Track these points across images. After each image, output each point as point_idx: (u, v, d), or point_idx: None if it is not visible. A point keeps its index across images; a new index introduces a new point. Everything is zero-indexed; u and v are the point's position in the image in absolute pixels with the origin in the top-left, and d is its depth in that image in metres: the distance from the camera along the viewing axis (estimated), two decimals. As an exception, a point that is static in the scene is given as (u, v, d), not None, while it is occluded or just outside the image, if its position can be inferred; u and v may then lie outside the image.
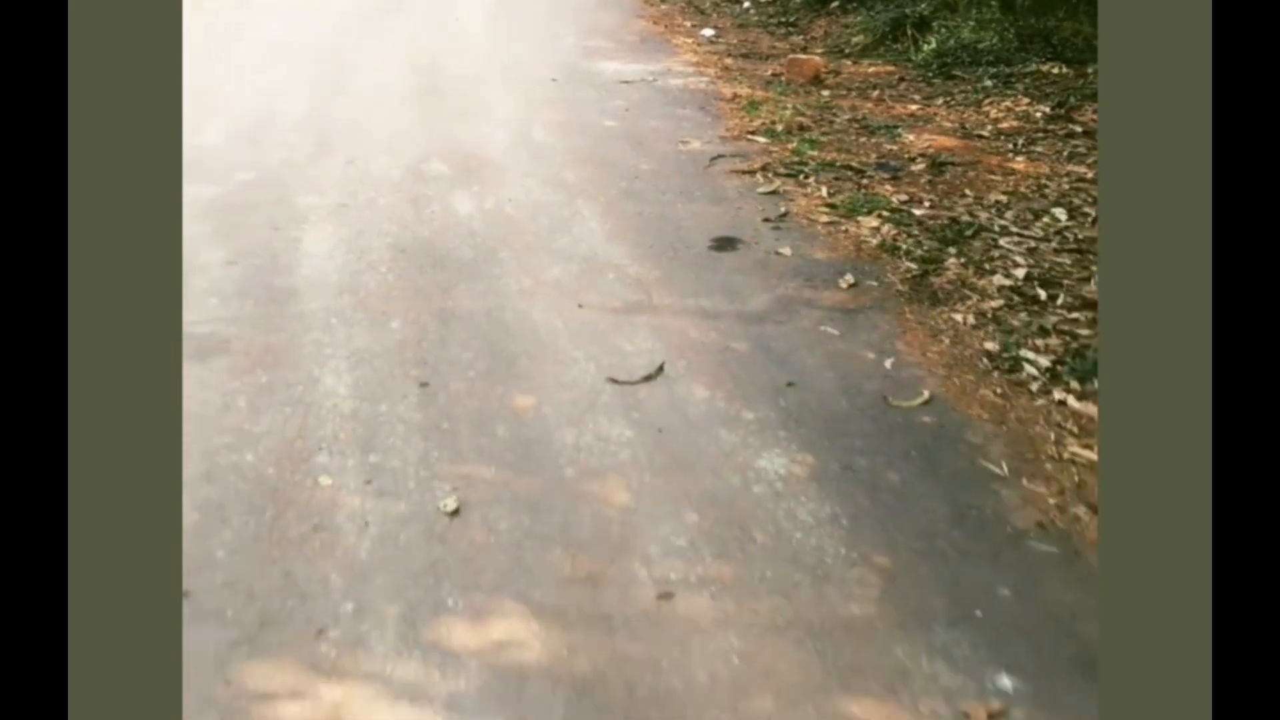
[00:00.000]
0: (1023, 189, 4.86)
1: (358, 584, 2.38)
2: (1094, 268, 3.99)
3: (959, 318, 3.62)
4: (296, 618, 2.28)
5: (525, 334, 3.52)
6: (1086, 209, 4.54)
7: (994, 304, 3.70)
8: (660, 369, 3.29)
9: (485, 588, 2.39)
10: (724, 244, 4.24)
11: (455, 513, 2.65)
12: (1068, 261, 4.09)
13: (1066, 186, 4.86)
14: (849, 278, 3.93)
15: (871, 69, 7.29)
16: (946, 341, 3.47)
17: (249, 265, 4.02)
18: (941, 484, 2.73)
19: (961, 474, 2.78)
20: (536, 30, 8.33)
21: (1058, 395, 3.12)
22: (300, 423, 3.03)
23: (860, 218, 4.47)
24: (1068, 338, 3.45)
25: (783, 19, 9.10)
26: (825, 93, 6.65)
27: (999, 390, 3.18)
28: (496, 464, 2.82)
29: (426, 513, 2.64)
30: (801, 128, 5.75)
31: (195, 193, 4.67)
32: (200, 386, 3.16)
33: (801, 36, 8.45)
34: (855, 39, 7.93)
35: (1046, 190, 4.82)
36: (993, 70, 6.82)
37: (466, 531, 2.58)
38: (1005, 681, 2.12)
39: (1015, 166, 5.21)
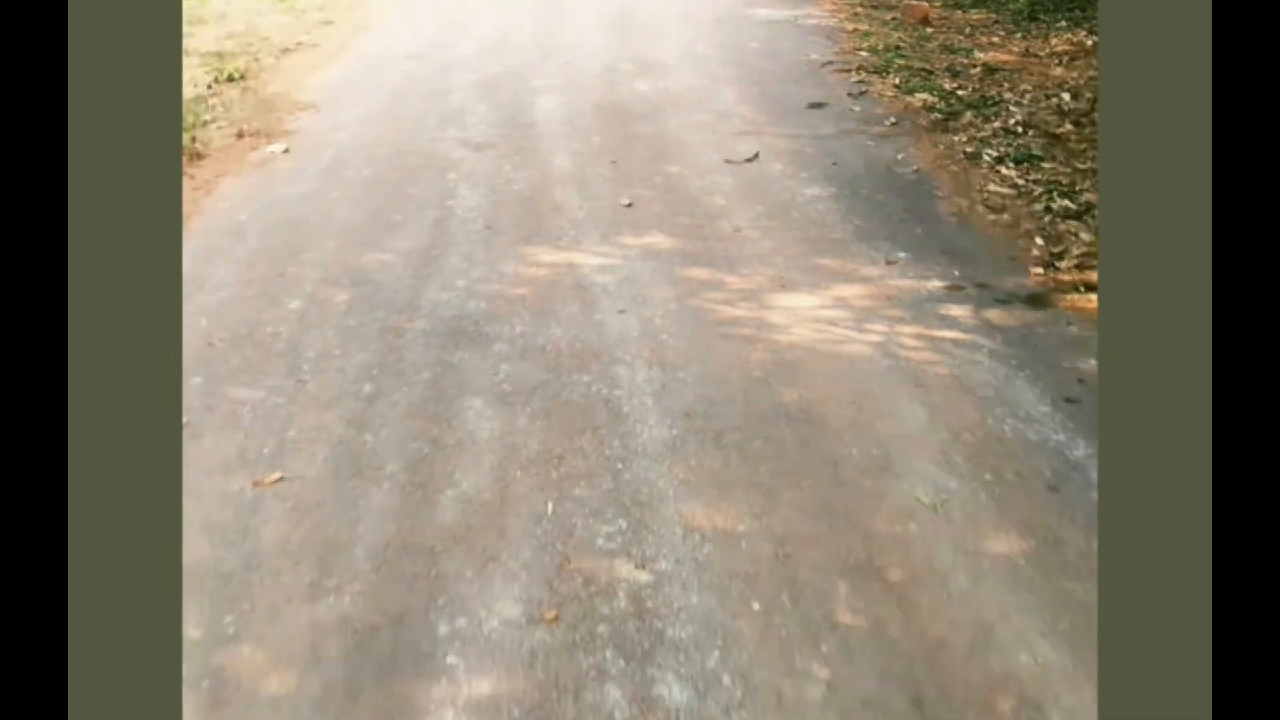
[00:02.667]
0: (1048, 84, 7.03)
1: (579, 226, 4.84)
2: (1069, 123, 6.17)
3: (956, 139, 5.89)
4: (549, 236, 4.78)
5: (677, 143, 5.98)
6: (1089, 94, 6.68)
7: (984, 134, 5.94)
8: (755, 155, 5.70)
9: (643, 228, 4.84)
10: (815, 105, 6.60)
11: (629, 205, 5.12)
12: (1053, 119, 6.28)
13: (1082, 83, 6.99)
14: (892, 120, 6.24)
15: (975, 16, 9.46)
16: (942, 149, 5.75)
17: (503, 112, 6.62)
18: (905, 198, 5.05)
19: (920, 196, 5.08)
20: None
21: (997, 169, 5.39)
22: (542, 176, 5.55)
23: (916, 94, 6.75)
24: (1021, 147, 5.68)
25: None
26: (929, 29, 8.88)
27: (961, 167, 5.46)
28: (653, 190, 5.28)
29: (613, 205, 5.12)
30: (897, 48, 8.03)
31: (462, 77, 7.32)
32: (482, 161, 5.72)
33: (929, -5, 10.60)
34: (969, -6, 10.08)
35: (1065, 85, 6.97)
36: (1069, 15, 8.91)
37: (634, 211, 5.04)
38: (900, 255, 4.45)
39: (1052, 73, 7.36)
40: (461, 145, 5.86)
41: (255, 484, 2.97)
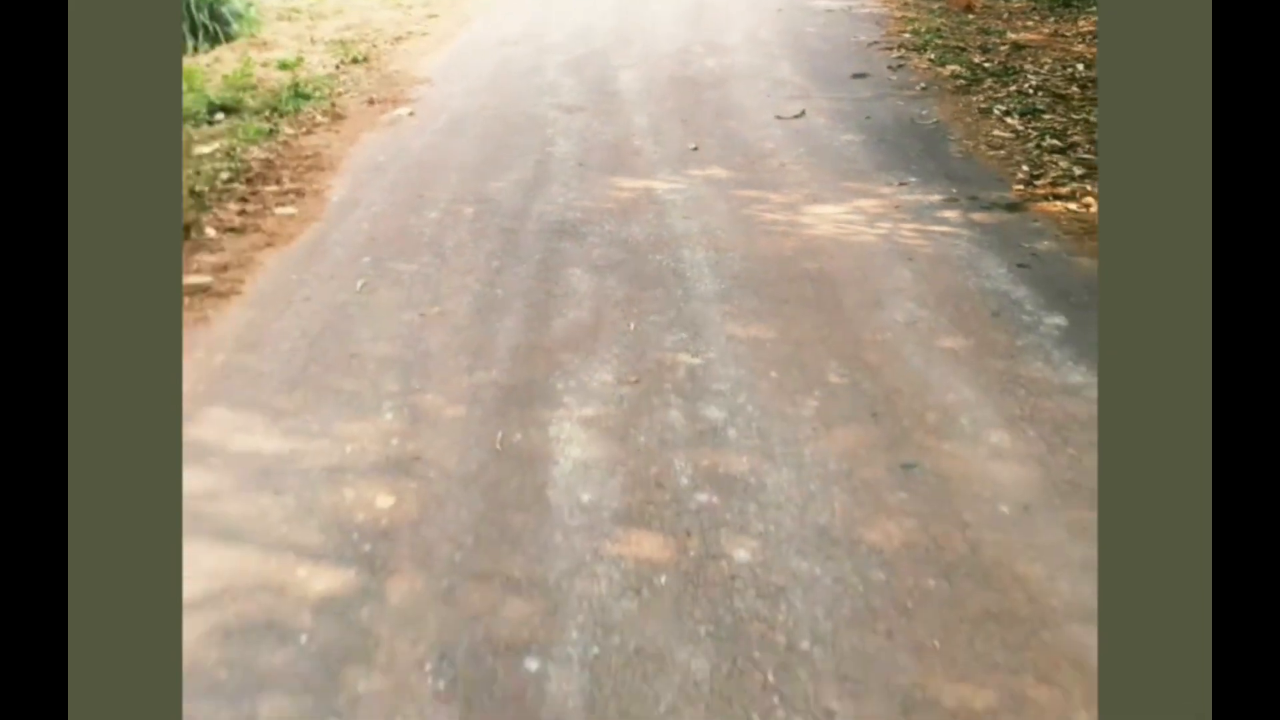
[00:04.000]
0: (1067, 58, 8.19)
1: (654, 164, 6.12)
2: (1075, 86, 7.34)
3: (975, 99, 7.09)
4: (629, 171, 6.09)
5: (737, 105, 7.26)
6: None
7: (999, 96, 7.14)
8: (802, 113, 6.96)
9: (706, 164, 6.12)
10: (858, 76, 7.85)
11: (695, 149, 6.41)
12: (1062, 84, 7.44)
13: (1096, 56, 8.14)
14: (921, 86, 7.47)
15: (1016, 4, 10.63)
16: (961, 106, 6.97)
17: (590, 84, 7.95)
18: (923, 141, 6.28)
19: (935, 140, 6.31)
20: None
21: (1004, 120, 6.59)
22: (625, 129, 6.87)
23: (946, 66, 7.96)
24: (1028, 104, 6.87)
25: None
26: (970, 15, 10.07)
27: (975, 119, 6.67)
28: (715, 139, 6.55)
29: (682, 150, 6.41)
30: (937, 31, 9.24)
31: (554, 58, 8.68)
32: (573, 120, 7.04)
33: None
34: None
35: (1082, 58, 8.14)
36: None
37: (699, 153, 6.33)
38: (911, 179, 5.69)
39: (1074, 49, 8.52)
40: (556, 108, 7.20)
41: (421, 315, 4.30)
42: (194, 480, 3.16)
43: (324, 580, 2.74)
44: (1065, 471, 3.08)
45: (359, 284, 4.53)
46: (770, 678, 2.37)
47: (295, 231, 5.14)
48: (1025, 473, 3.09)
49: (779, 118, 6.79)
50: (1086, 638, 2.45)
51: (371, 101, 7.49)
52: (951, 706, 2.29)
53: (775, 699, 2.31)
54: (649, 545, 2.83)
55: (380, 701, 2.35)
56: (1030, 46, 8.42)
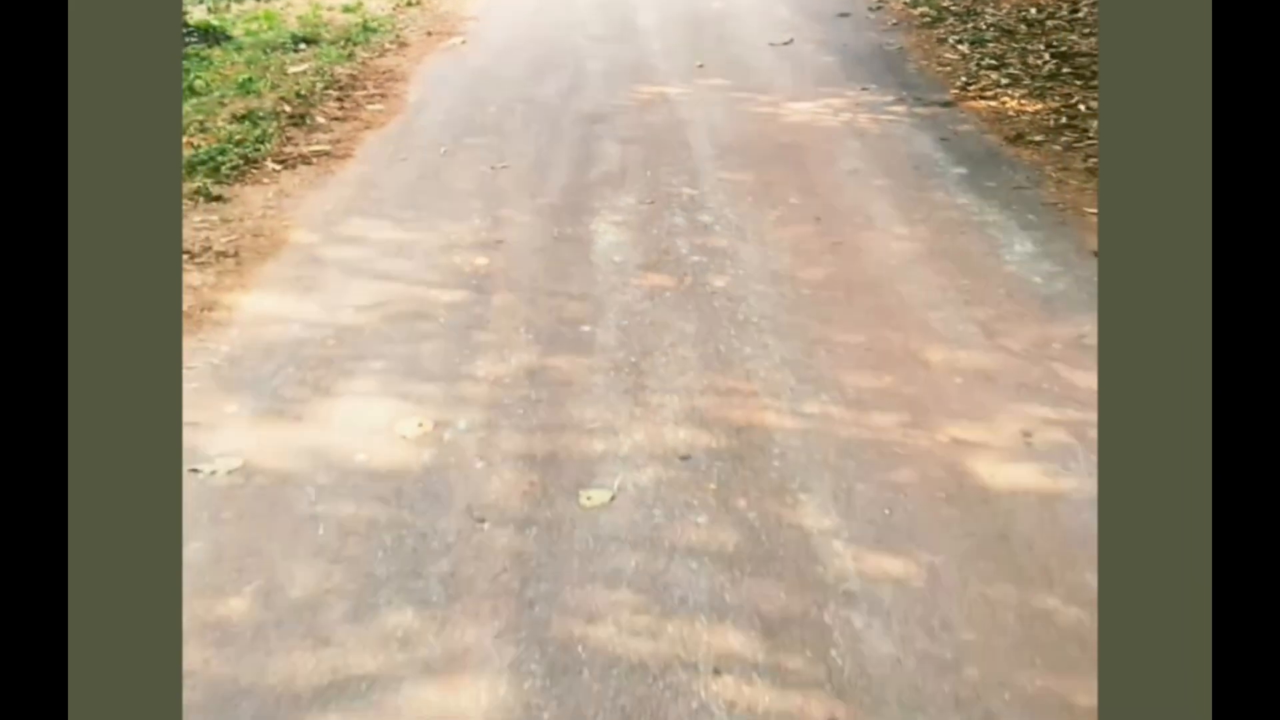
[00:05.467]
0: (1025, 4, 9.81)
1: (667, 76, 7.74)
2: (1024, 25, 8.95)
3: (936, 32, 8.71)
4: (647, 81, 7.74)
5: (737, 36, 8.90)
6: (1050, 7, 9.44)
7: (957, 30, 8.77)
8: (790, 41, 8.61)
9: (709, 76, 7.74)
10: (842, 14, 9.47)
11: (701, 66, 8.07)
12: (1014, 22, 9.06)
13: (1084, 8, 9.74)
14: (893, 22, 9.10)
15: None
16: (923, 37, 8.60)
17: (614, 21, 9.55)
18: (886, 62, 7.92)
19: (897, 61, 7.94)
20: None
21: (955, 47, 8.23)
22: (643, 53, 8.50)
23: (917, 8, 9.59)
24: (979, 36, 8.51)
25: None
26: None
27: (932, 46, 8.31)
28: (718, 60, 8.17)
29: (690, 67, 8.05)
30: (917, -19, 10.86)
31: (578, 15, 10.36)
32: (600, 47, 8.66)
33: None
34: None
35: (1039, 4, 9.75)
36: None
37: (704, 70, 7.93)
38: (872, 86, 7.35)
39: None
40: (586, 38, 8.84)
41: (492, 168, 5.97)
42: (351, 252, 4.84)
43: (448, 296, 4.41)
44: (940, 245, 4.74)
45: (441, 150, 6.20)
46: (732, 332, 4.04)
47: (385, 120, 6.81)
48: (914, 246, 4.76)
49: (771, 44, 8.43)
50: (930, 314, 4.11)
51: (429, 34, 9.15)
52: (840, 344, 3.97)
53: (735, 342, 3.98)
54: (659, 279, 4.50)
55: (492, 346, 4.03)
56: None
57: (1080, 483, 3.07)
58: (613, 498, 3.07)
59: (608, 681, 2.42)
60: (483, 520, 2.96)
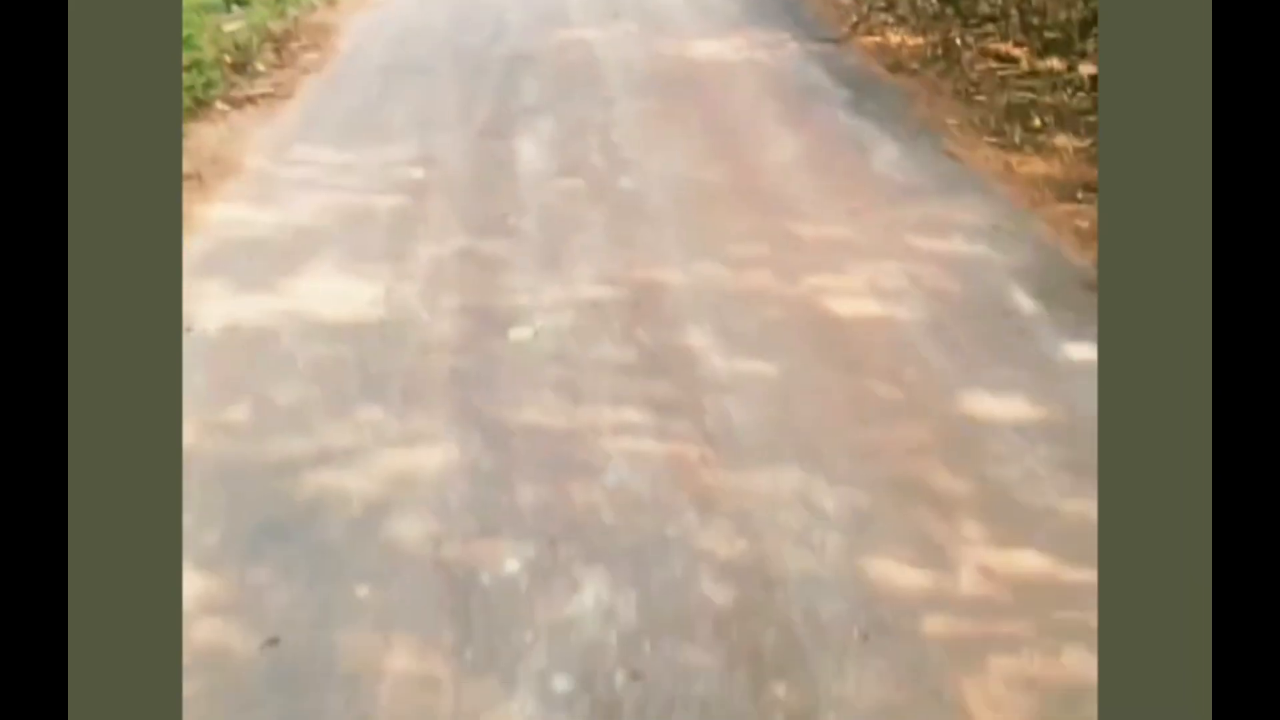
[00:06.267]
0: None
1: (583, 23, 8.50)
2: None
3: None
4: (566, 25, 8.48)
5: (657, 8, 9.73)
6: None
7: None
8: None
9: (623, 21, 8.54)
10: None
11: (616, 16, 8.86)
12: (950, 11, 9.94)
13: None
14: None
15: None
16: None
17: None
18: (787, 7, 8.76)
19: (797, 6, 8.76)
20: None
21: (873, 14, 9.08)
22: (557, 7, 9.28)
23: None
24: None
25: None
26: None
27: (842, 8, 9.19)
28: (631, 8, 8.97)
29: (606, 14, 8.84)
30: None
31: None
32: (526, 14, 9.46)
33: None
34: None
35: None
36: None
37: (619, 18, 8.76)
38: (771, 27, 8.20)
39: None
40: (507, -8, 9.60)
41: (423, 102, 6.72)
42: (302, 171, 5.58)
43: (390, 200, 5.16)
44: (819, 153, 5.57)
45: (376, 90, 6.94)
46: (635, 219, 4.85)
47: (321, 66, 7.53)
48: (797, 154, 5.58)
49: None
50: (805, 204, 4.94)
51: (358, -9, 9.83)
52: (725, 226, 4.79)
53: (637, 226, 4.79)
54: (574, 183, 5.29)
55: (431, 236, 4.79)
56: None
57: (910, 313, 3.92)
58: (535, 334, 3.86)
59: (532, 444, 3.23)
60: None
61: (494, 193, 5.15)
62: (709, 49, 7.52)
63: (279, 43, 8.18)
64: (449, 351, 3.75)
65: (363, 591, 2.68)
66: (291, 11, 9.17)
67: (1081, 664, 2.33)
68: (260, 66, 7.49)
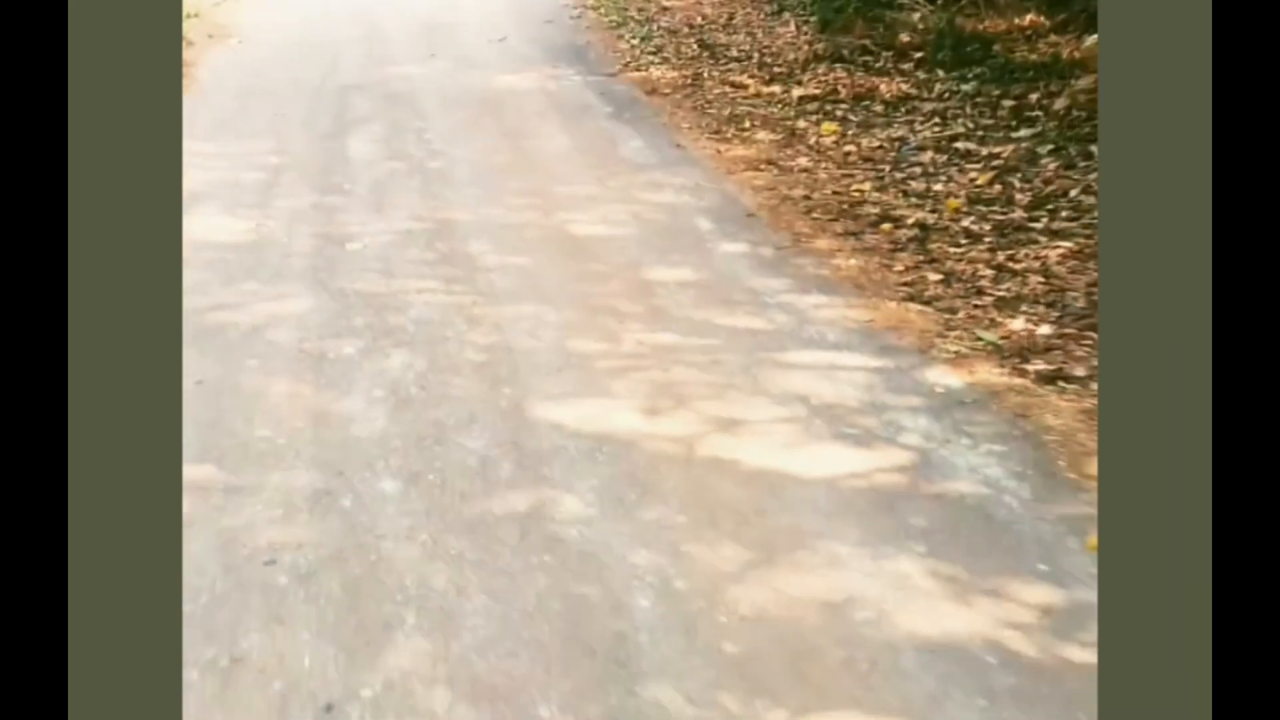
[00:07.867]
0: (696, 16, 12.88)
1: (405, 62, 10.38)
2: (686, 28, 11.99)
3: (617, 34, 11.58)
4: (388, 64, 10.33)
5: (464, 38, 11.51)
6: (724, 17, 12.51)
7: (634, 33, 11.72)
8: (505, 39, 11.37)
9: (438, 61, 10.42)
10: (548, 21, 12.31)
11: (433, 55, 10.74)
12: (681, 27, 12.10)
13: (721, 10, 12.83)
14: (587, 26, 11.99)
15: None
16: (606, 36, 11.41)
17: (364, 26, 12.13)
18: (575, 52, 10.67)
19: (582, 51, 10.67)
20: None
21: (628, 41, 11.15)
22: (388, 48, 11.03)
23: (607, 16, 12.54)
24: (648, 36, 11.48)
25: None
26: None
27: (612, 41, 11.21)
28: (447, 52, 10.77)
29: (426, 56, 10.70)
30: (618, 6, 13.86)
31: (338, 12, 12.88)
32: (354, 46, 11.18)
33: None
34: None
35: (706, 15, 12.81)
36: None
37: (435, 59, 10.57)
38: (560, 66, 10.18)
39: (705, 11, 13.24)
40: (343, 39, 11.36)
41: (275, 114, 8.45)
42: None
43: (253, 176, 6.86)
44: (583, 146, 7.47)
45: (234, 107, 8.64)
46: (441, 185, 6.69)
47: (188, 89, 9.18)
48: (567, 147, 7.47)
49: (489, 41, 11.16)
50: (567, 176, 6.83)
51: (210, 36, 11.47)
52: (507, 187, 6.65)
53: (442, 189, 6.61)
54: (395, 164, 7.08)
55: (287, 195, 6.52)
56: (671, 9, 13.10)
57: (626, 231, 5.82)
58: (364, 246, 5.62)
59: (363, 299, 4.97)
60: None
61: (334, 171, 6.89)
62: (509, 80, 9.42)
63: (144, 74, 9.74)
64: (304, 256, 5.47)
65: (252, 363, 4.39)
66: (151, 52, 10.75)
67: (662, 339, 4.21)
68: (131, 91, 9.05)
